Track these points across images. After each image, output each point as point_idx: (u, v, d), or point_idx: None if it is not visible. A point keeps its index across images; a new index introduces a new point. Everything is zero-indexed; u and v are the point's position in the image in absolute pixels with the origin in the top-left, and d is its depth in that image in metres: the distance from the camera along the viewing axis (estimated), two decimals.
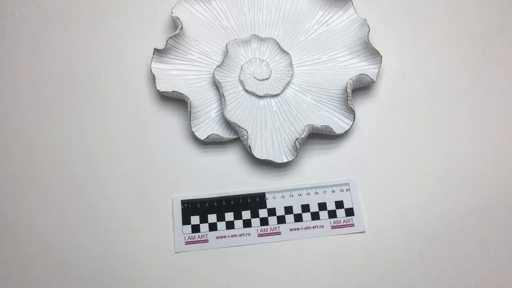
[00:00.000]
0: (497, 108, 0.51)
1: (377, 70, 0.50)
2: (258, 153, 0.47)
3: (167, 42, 0.50)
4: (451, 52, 0.53)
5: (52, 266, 0.45)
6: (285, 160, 0.47)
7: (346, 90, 0.48)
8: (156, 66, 0.50)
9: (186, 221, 0.47)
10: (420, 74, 0.52)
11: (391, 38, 0.53)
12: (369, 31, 0.51)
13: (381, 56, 0.50)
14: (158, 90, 0.49)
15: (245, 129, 0.47)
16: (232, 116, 0.48)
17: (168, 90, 0.49)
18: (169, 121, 0.50)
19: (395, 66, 0.52)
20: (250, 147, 0.47)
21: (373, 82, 0.50)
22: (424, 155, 0.49)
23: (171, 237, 0.46)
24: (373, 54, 0.50)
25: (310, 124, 0.47)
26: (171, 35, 0.50)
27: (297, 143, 0.47)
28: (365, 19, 0.51)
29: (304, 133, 0.47)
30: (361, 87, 0.51)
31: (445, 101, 0.51)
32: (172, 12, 0.52)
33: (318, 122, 0.49)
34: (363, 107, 0.51)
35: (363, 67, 0.51)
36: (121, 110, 0.50)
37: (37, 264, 0.45)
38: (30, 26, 0.53)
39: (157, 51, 0.50)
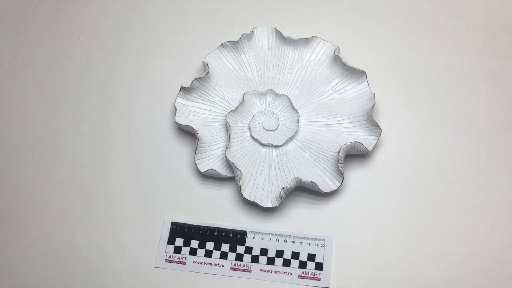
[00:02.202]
0: (489, 199, 0.52)
1: (375, 141, 0.54)
2: (247, 194, 0.52)
3: (192, 82, 0.56)
4: (450, 142, 0.55)
5: (38, 264, 0.51)
6: (269, 205, 0.51)
7: (339, 154, 0.52)
8: (180, 101, 0.57)
9: (171, 241, 0.52)
10: (416, 154, 0.55)
11: (396, 115, 0.57)
12: (374, 104, 0.55)
13: (380, 129, 0.54)
14: (176, 122, 0.55)
15: (239, 170, 0.52)
16: (233, 157, 0.54)
17: (183, 123, 0.55)
18: (179, 150, 0.56)
19: (394, 141, 0.55)
20: (240, 187, 0.52)
21: (367, 151, 0.53)
22: (404, 229, 0.51)
23: (154, 253, 0.51)
24: (374, 126, 0.54)
25: (298, 177, 0.51)
26: (198, 77, 0.57)
27: (282, 191, 0.51)
28: (374, 93, 0.56)
29: (291, 184, 0.51)
30: (358, 154, 0.55)
31: (434, 185, 0.53)
32: (204, 58, 0.59)
33: (309, 178, 0.53)
34: (356, 172, 0.54)
35: (362, 136, 0.54)
36: (142, 132, 0.57)
37: (21, 262, 0.51)
38: (90, 49, 0.62)
39: (183, 88, 0.57)
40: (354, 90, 0.57)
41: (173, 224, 0.53)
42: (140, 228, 0.52)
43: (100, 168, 0.55)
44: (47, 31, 0.63)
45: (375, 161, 0.55)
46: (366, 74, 0.57)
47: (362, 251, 0.50)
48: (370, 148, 0.53)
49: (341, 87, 0.58)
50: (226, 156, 0.53)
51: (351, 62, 0.60)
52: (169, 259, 0.51)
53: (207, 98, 0.58)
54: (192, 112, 0.57)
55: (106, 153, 0.56)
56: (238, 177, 0.52)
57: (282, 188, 0.51)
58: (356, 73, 0.57)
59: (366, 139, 0.54)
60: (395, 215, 0.52)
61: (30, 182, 0.55)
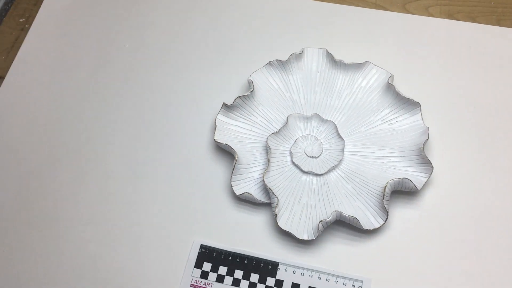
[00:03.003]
0: None
1: (425, 179, 0.50)
2: (282, 223, 0.49)
3: (235, 100, 0.54)
4: (507, 187, 0.51)
5: (60, 277, 0.49)
6: (305, 238, 0.48)
7: (385, 189, 0.48)
8: (221, 119, 0.54)
9: (198, 265, 0.49)
10: (468, 197, 0.50)
11: (450, 152, 0.53)
12: (427, 139, 0.51)
13: (432, 167, 0.50)
14: (214, 139, 0.53)
15: (276, 197, 0.49)
16: (271, 182, 0.51)
17: (222, 142, 0.53)
18: (215, 169, 0.53)
19: (446, 181, 0.51)
20: (276, 215, 0.49)
21: (416, 189, 0.49)
22: (448, 279, 0.47)
23: (180, 276, 0.49)
24: (426, 163, 0.50)
25: (339, 211, 0.48)
26: (241, 95, 0.54)
27: (320, 224, 0.47)
28: (428, 127, 0.52)
29: (330, 217, 0.47)
30: (405, 191, 0.51)
31: (485, 232, 0.49)
32: (250, 76, 0.56)
33: (351, 212, 0.49)
34: (402, 211, 0.50)
35: (412, 172, 0.51)
36: (179, 147, 0.55)
37: (44, 274, 0.50)
38: (134, 57, 0.61)
39: (225, 105, 0.54)
40: (406, 122, 0.53)
41: (202, 247, 0.50)
42: (167, 248, 0.50)
43: (133, 181, 0.53)
44: (95, 35, 0.63)
45: (423, 200, 0.51)
46: (420, 106, 0.53)
47: None
48: (419, 186, 0.49)
49: (392, 117, 0.54)
50: (263, 180, 0.50)
51: (404, 92, 0.56)
52: (195, 284, 0.48)
53: (249, 117, 0.55)
54: (232, 130, 0.54)
55: (140, 166, 0.54)
56: (275, 204, 0.49)
57: (320, 221, 0.47)
58: (410, 104, 0.53)
59: (416, 176, 0.50)
60: (440, 262, 0.48)
61: (59, 191, 0.53)
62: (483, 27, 0.59)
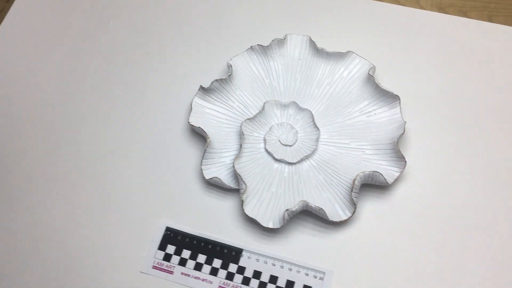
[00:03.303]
0: None
1: (397, 174, 0.49)
2: (249, 210, 0.48)
3: (212, 83, 0.53)
4: (481, 188, 0.50)
5: (21, 253, 0.49)
6: (270, 226, 0.47)
7: (354, 182, 0.47)
8: (198, 102, 0.54)
9: (162, 247, 0.49)
10: (440, 195, 0.49)
11: (426, 149, 0.52)
12: (403, 133, 0.50)
13: (405, 161, 0.49)
14: (189, 122, 0.52)
15: (245, 183, 0.48)
16: (241, 168, 0.50)
17: (195, 125, 0.52)
18: (189, 153, 0.53)
19: (419, 177, 0.50)
20: (243, 201, 0.48)
21: (387, 184, 0.48)
22: (414, 275, 0.46)
23: (143, 256, 0.48)
24: (399, 157, 0.49)
25: (305, 201, 0.47)
26: (218, 78, 0.53)
27: (286, 213, 0.47)
28: (405, 121, 0.51)
29: (296, 207, 0.47)
30: (377, 185, 0.50)
31: (453, 231, 0.48)
32: (230, 60, 0.55)
33: (319, 203, 0.48)
34: (371, 204, 0.49)
35: (385, 166, 0.50)
36: (154, 128, 0.54)
37: (6, 250, 0.50)
38: (117, 36, 0.60)
39: (202, 88, 0.54)
40: (384, 115, 0.52)
41: (167, 229, 0.50)
42: (133, 228, 0.50)
43: (104, 159, 0.53)
44: (79, 11, 0.62)
45: (394, 195, 0.50)
46: (399, 99, 0.52)
47: None
48: (390, 180, 0.48)
49: (370, 109, 0.53)
50: (233, 165, 0.49)
51: (387, 85, 0.55)
52: (157, 265, 0.48)
53: (226, 102, 0.54)
54: (208, 114, 0.54)
55: (113, 144, 0.54)
56: (243, 190, 0.48)
57: (286, 210, 0.47)
58: (389, 97, 0.52)
59: (388, 170, 0.49)
60: (406, 258, 0.47)
61: (30, 166, 0.53)
62: (473, 23, 0.58)
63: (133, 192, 0.51)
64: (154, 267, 0.48)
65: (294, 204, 0.48)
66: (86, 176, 0.52)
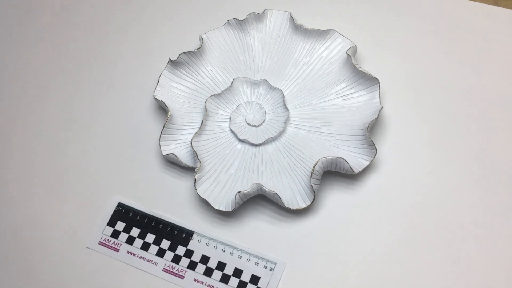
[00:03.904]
0: (488, 255, 0.41)
1: (366, 163, 0.45)
2: (201, 191, 0.45)
3: (179, 55, 0.50)
4: (458, 183, 0.45)
5: None
6: (220, 208, 0.44)
7: (314, 167, 0.43)
8: (166, 75, 0.51)
9: (111, 223, 0.46)
10: (413, 189, 0.45)
11: (403, 137, 0.47)
12: (375, 119, 0.45)
13: (376, 150, 0.45)
14: (153, 96, 0.50)
15: (200, 161, 0.45)
16: (200, 146, 0.47)
17: (158, 99, 0.49)
18: (152, 128, 0.50)
19: (392, 168, 0.46)
20: (196, 180, 0.45)
21: (352, 172, 0.44)
22: (373, 274, 0.42)
23: (91, 231, 0.46)
24: (369, 145, 0.45)
25: (259, 184, 0.43)
26: (186, 51, 0.51)
27: (238, 196, 0.43)
28: (381, 107, 0.46)
29: (249, 190, 0.43)
30: (344, 174, 0.46)
31: (423, 228, 0.43)
32: (205, 33, 0.52)
33: (279, 189, 0.45)
34: (336, 195, 0.45)
35: (354, 154, 0.46)
36: (121, 101, 0.52)
37: None
38: (90, 4, 0.58)
39: (171, 61, 0.51)
40: (361, 99, 0.48)
41: (119, 205, 0.47)
42: (85, 201, 0.48)
43: (66, 127, 0.51)
44: None
45: (363, 187, 0.46)
46: (379, 83, 0.47)
47: (314, 285, 0.42)
48: (357, 169, 0.44)
49: (347, 92, 0.49)
50: (191, 142, 0.46)
51: (369, 68, 0.51)
52: (103, 242, 0.46)
53: (195, 77, 0.51)
54: (175, 88, 0.51)
55: (78, 115, 0.52)
56: (197, 168, 0.45)
57: (238, 192, 0.43)
58: (367, 79, 0.48)
59: (358, 158, 0.45)
60: (367, 256, 0.43)
61: None
62: (474, 4, 0.52)
63: (90, 164, 0.49)
64: (101, 243, 0.46)
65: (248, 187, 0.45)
66: (46, 144, 0.51)
